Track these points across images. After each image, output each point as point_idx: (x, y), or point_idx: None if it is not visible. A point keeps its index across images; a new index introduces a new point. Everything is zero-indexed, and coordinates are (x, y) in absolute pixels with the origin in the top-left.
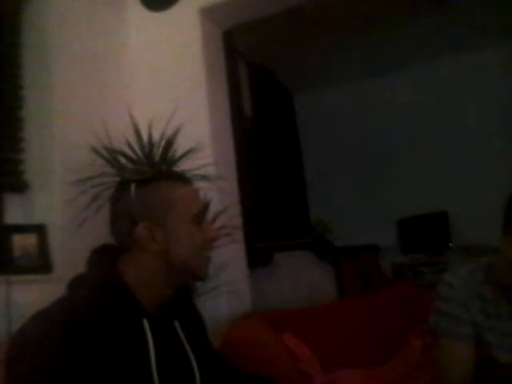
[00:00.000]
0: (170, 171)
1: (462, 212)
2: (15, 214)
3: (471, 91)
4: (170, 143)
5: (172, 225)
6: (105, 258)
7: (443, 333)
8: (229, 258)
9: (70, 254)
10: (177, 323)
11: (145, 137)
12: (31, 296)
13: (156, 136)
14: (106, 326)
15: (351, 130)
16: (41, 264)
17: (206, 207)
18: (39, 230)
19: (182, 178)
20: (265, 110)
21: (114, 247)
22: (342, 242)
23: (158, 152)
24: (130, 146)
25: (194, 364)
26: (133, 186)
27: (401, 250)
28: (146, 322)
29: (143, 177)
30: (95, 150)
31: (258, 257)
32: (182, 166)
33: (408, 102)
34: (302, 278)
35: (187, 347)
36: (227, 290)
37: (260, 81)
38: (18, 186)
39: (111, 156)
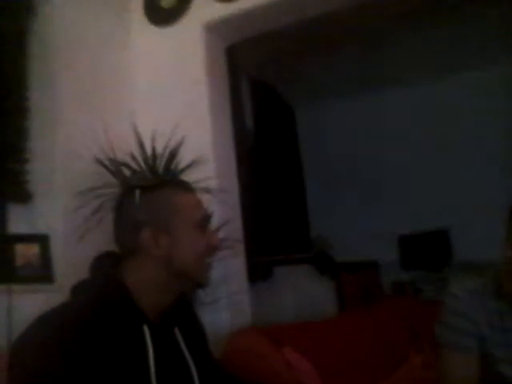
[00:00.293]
0: (174, 179)
1: (462, 229)
2: (18, 223)
3: (471, 108)
4: (173, 155)
5: (176, 230)
6: (107, 264)
7: (447, 345)
8: (229, 271)
9: (72, 264)
10: (177, 331)
11: (148, 149)
12: (33, 305)
13: (159, 148)
14: (107, 331)
15: (352, 144)
16: (43, 274)
17: (209, 214)
18: (42, 240)
19: (185, 186)
20: (266, 124)
21: (116, 253)
22: (343, 257)
23: (161, 164)
24: (133, 157)
25: (194, 372)
26: (137, 192)
27: (401, 267)
28: (146, 329)
29: (148, 183)
30: (99, 161)
31: (258, 271)
32: (185, 178)
33: (409, 118)
34: (303, 293)
35: (187, 355)
36: (227, 303)
37: (262, 96)
38: (22, 196)
39: (114, 167)
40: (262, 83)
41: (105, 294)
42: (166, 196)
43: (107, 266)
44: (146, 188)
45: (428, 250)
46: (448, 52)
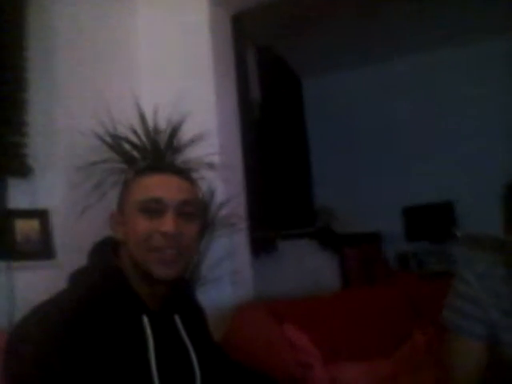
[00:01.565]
0: (163, 164)
1: (468, 202)
2: (18, 198)
3: (475, 78)
4: (175, 130)
5: (127, 213)
6: (106, 251)
7: (455, 330)
8: (233, 246)
9: (73, 240)
10: (177, 318)
11: (150, 123)
12: (33, 281)
13: (161, 123)
14: (106, 321)
15: (358, 115)
16: (43, 249)
17: (158, 198)
18: (42, 215)
19: (163, 168)
20: (273, 94)
21: (115, 240)
22: (346, 228)
23: (163, 139)
24: (134, 132)
25: (194, 359)
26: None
27: (405, 238)
28: (145, 318)
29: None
30: (99, 136)
31: (262, 245)
32: (188, 155)
33: (416, 89)
34: (306, 267)
35: (187, 342)
36: (230, 278)
37: (268, 65)
38: (22, 170)
39: (115, 142)
40: (268, 52)
41: (104, 282)
42: (131, 180)
43: (106, 253)
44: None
45: (432, 222)
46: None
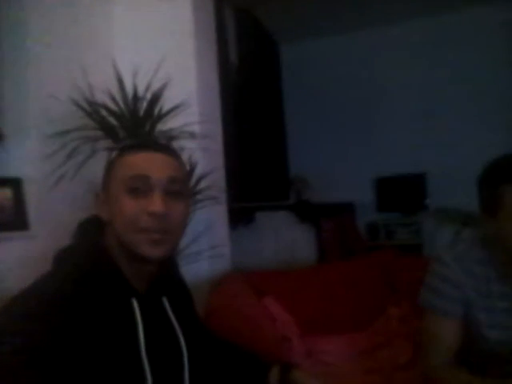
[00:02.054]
0: (143, 140)
1: (440, 174)
2: None
3: (457, 52)
4: (156, 97)
5: (111, 194)
6: (92, 231)
7: (432, 309)
8: (211, 219)
9: (47, 211)
10: (165, 300)
11: (129, 89)
12: (7, 253)
13: (140, 89)
14: (95, 305)
15: (334, 84)
16: (16, 220)
17: (143, 175)
18: (15, 183)
19: (144, 145)
20: (250, 58)
21: (101, 219)
22: (319, 197)
23: (142, 106)
24: (112, 98)
25: (182, 341)
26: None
27: (376, 209)
28: (135, 302)
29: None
30: (75, 102)
31: (240, 217)
32: (167, 124)
33: (391, 59)
34: (283, 239)
35: (175, 324)
36: (209, 253)
37: (246, 28)
38: None
39: (92, 109)
40: (247, 15)
41: (91, 265)
42: (114, 158)
43: (92, 233)
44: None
45: (404, 193)
46: None
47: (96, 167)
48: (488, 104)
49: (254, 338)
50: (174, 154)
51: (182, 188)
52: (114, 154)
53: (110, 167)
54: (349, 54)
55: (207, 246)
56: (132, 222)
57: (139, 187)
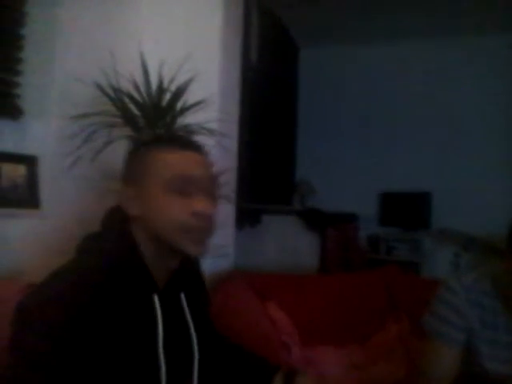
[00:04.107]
0: (173, 135)
1: (444, 195)
2: (5, 141)
3: (471, 74)
4: (180, 91)
5: (146, 191)
6: (119, 220)
7: (435, 334)
8: (219, 218)
9: (60, 192)
10: (182, 296)
11: (154, 80)
12: (16, 230)
13: (165, 81)
14: (116, 298)
15: (348, 95)
16: (29, 198)
17: (188, 176)
18: (30, 161)
19: (177, 142)
20: (270, 60)
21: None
22: (322, 205)
23: (165, 98)
24: (136, 87)
25: (194, 339)
26: (129, 146)
27: (379, 222)
28: (156, 298)
29: (146, 138)
30: (99, 87)
31: (247, 217)
32: (187, 118)
33: (410, 76)
34: (287, 244)
35: (190, 322)
36: (214, 252)
37: (269, 29)
38: (12, 110)
39: (116, 96)
40: (271, 16)
41: (118, 256)
42: (149, 153)
43: (119, 223)
44: (145, 144)
45: (407, 210)
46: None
47: (112, 153)
48: (496, 126)
49: (254, 342)
50: (206, 153)
51: (217, 188)
52: (142, 147)
53: (142, 162)
54: (365, 66)
55: (212, 245)
56: (176, 221)
57: (183, 187)
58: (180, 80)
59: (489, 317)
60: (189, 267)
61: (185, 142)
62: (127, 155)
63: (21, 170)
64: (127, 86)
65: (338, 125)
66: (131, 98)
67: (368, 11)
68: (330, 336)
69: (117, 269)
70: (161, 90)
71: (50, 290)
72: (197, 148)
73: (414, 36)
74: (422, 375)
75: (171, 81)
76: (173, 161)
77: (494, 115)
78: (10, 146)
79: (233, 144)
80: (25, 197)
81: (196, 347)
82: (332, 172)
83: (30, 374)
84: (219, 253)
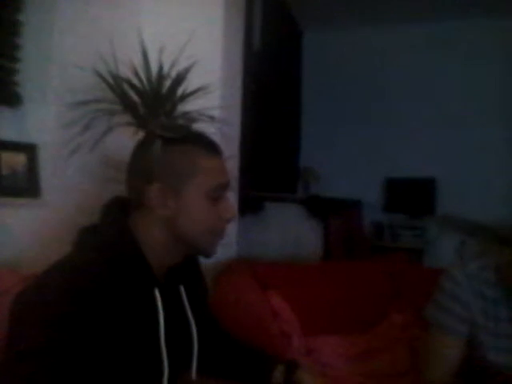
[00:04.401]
0: (200, 135)
1: (450, 181)
2: (4, 129)
3: (478, 58)
4: (181, 77)
5: (187, 194)
6: (117, 213)
7: (438, 325)
8: None
9: (60, 180)
10: (182, 289)
11: (153, 66)
12: (16, 219)
13: (165, 67)
14: (117, 291)
15: (353, 80)
16: (29, 186)
17: (226, 184)
18: (30, 149)
19: (210, 147)
20: (273, 44)
21: (127, 201)
22: (326, 191)
23: (165, 85)
24: (136, 73)
25: (194, 330)
26: (158, 143)
27: (383, 208)
28: (157, 292)
29: (171, 134)
30: (99, 74)
31: (249, 204)
32: (188, 106)
33: (414, 60)
34: (290, 231)
35: (189, 313)
36: None
37: (272, 12)
38: (10, 98)
39: (115, 82)
40: None
41: (117, 250)
42: (186, 155)
43: (117, 215)
44: (168, 140)
45: (412, 196)
46: None
47: (112, 141)
48: (503, 110)
49: (255, 332)
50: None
51: None
52: (166, 144)
53: (179, 165)
54: (370, 49)
55: None
56: (210, 226)
57: (220, 194)
58: (180, 66)
59: (490, 308)
60: (187, 261)
61: (213, 144)
62: (142, 148)
63: (20, 158)
64: (126, 73)
65: (342, 111)
66: (131, 84)
67: None
68: (332, 325)
69: (118, 264)
70: (161, 76)
71: (49, 283)
72: (220, 151)
73: (417, 19)
74: (424, 366)
75: (171, 67)
76: (216, 170)
77: (501, 99)
78: (9, 134)
79: (235, 131)
80: (25, 185)
81: (196, 339)
82: (337, 158)
83: (28, 366)
84: (222, 242)
